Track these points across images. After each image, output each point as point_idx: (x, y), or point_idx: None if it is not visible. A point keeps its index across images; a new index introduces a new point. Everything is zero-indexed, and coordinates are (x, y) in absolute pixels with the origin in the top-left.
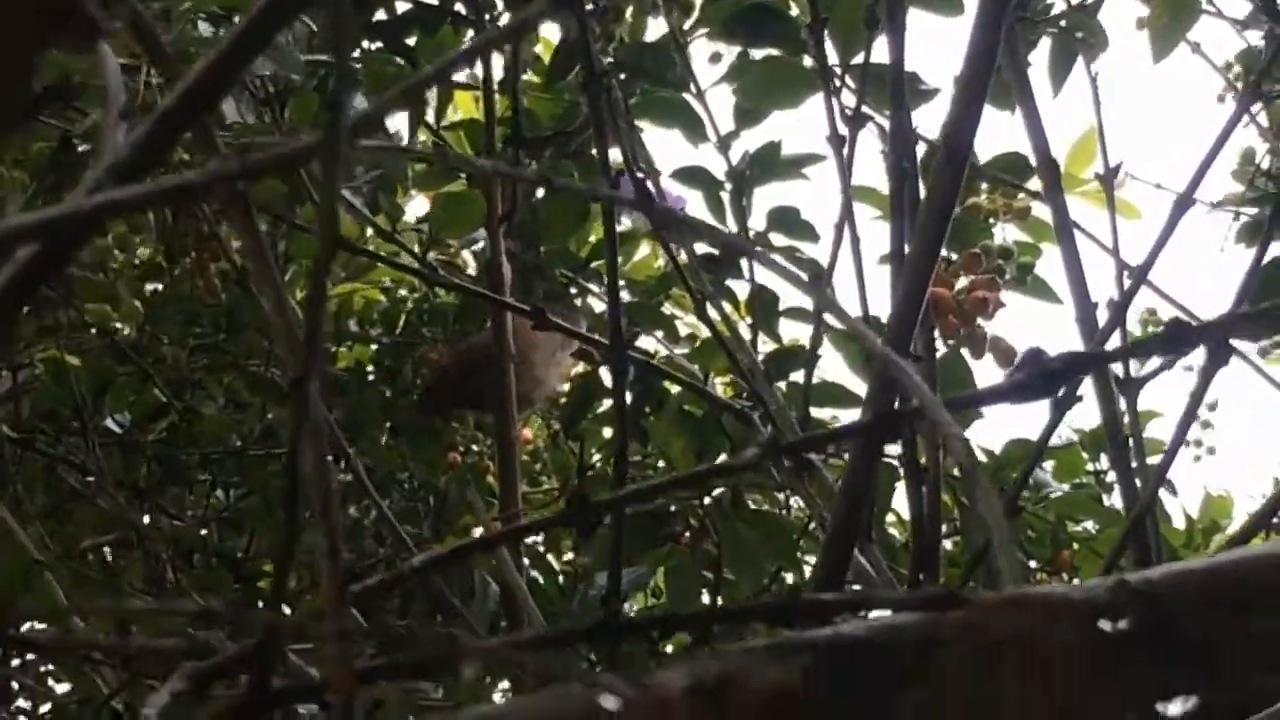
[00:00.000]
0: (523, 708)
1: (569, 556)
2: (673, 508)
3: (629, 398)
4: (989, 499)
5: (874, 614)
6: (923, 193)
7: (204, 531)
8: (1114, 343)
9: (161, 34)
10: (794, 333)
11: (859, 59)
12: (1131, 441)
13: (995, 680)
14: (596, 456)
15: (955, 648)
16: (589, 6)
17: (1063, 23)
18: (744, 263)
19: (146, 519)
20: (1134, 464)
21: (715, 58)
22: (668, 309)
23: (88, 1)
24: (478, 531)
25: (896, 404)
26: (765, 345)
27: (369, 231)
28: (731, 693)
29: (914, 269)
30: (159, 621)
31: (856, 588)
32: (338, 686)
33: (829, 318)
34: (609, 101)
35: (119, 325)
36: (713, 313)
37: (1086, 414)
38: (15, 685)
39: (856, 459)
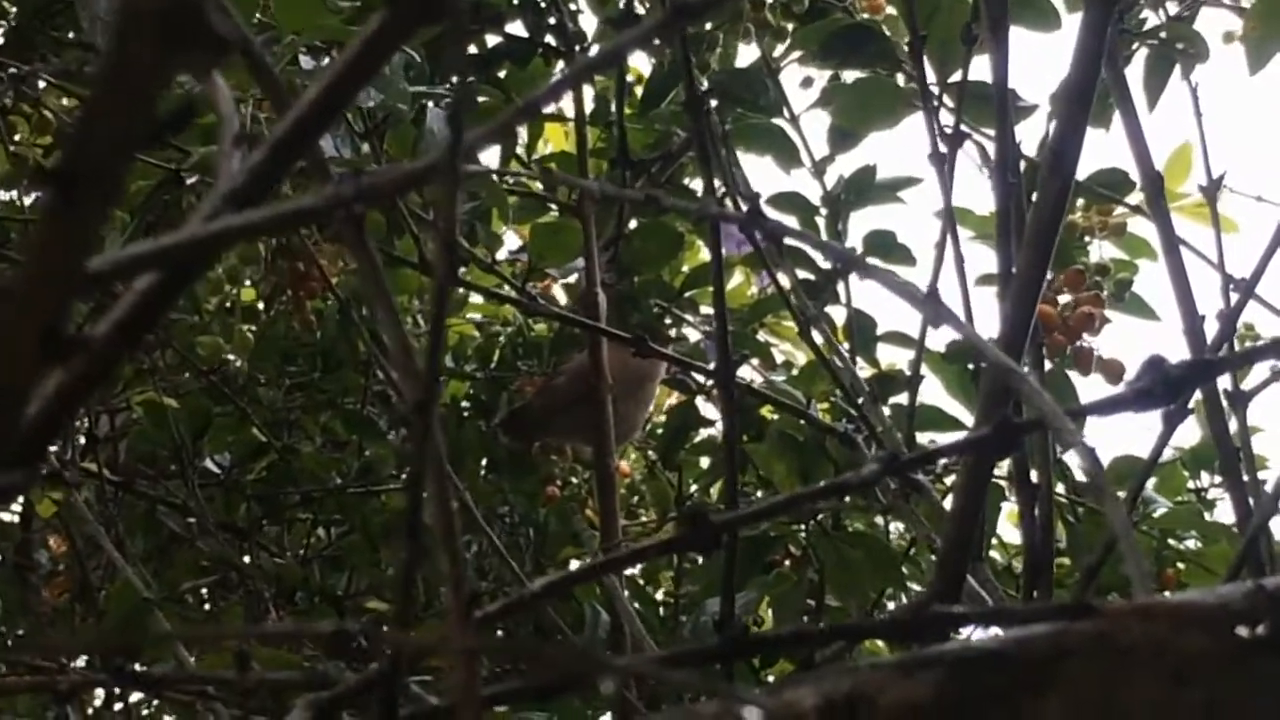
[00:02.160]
0: None
1: (666, 589)
2: (773, 534)
3: (723, 424)
4: (1115, 506)
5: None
6: (1026, 209)
7: (305, 570)
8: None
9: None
10: (891, 357)
11: (956, 77)
12: (1241, 454)
13: (1127, 689)
14: (694, 487)
15: (1085, 657)
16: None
17: (1163, 34)
18: (841, 288)
19: (247, 559)
20: (1245, 478)
21: (807, 83)
22: (763, 336)
23: (219, 22)
24: (579, 564)
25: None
26: (862, 371)
27: (462, 269)
28: (863, 709)
29: (1022, 284)
30: (284, 656)
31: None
32: (464, 711)
33: (928, 340)
34: (708, 124)
35: (231, 357)
36: (816, 336)
37: (1185, 433)
38: None
39: (969, 476)
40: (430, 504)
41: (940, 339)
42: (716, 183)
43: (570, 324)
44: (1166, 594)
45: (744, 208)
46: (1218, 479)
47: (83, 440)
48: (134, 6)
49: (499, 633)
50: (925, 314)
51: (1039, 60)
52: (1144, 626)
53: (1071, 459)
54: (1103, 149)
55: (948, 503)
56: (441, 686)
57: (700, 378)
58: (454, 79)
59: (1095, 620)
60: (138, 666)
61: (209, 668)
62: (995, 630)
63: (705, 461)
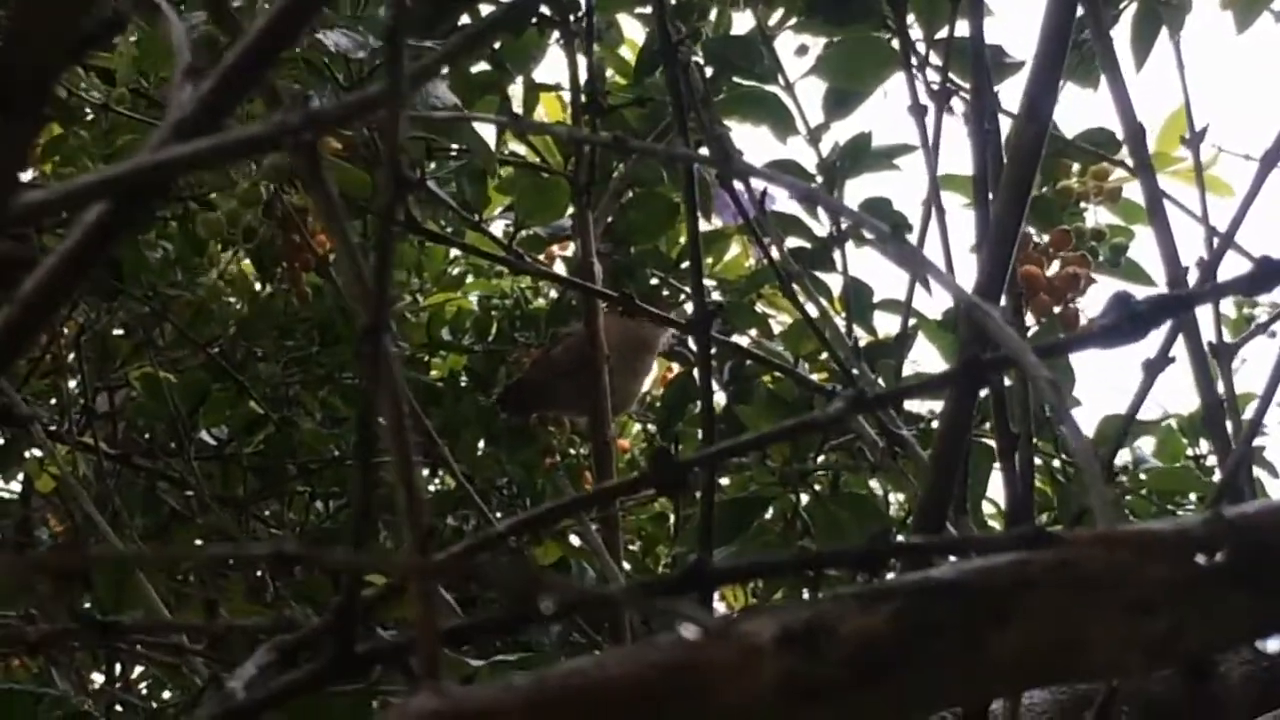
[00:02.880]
0: (613, 659)
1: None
2: (761, 495)
3: (722, 396)
4: (1079, 437)
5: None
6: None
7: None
8: (1205, 312)
9: None
10: (888, 326)
11: (942, 34)
12: (1225, 405)
13: (1088, 618)
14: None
15: (1046, 588)
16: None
17: None
18: (837, 255)
19: (246, 532)
20: (1230, 429)
21: (802, 50)
22: (760, 308)
23: None
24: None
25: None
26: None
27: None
28: (821, 639)
29: (998, 231)
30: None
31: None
32: (422, 646)
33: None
34: (687, 80)
35: (233, 300)
36: (802, 298)
37: (1183, 399)
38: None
39: (947, 422)
40: (386, 434)
41: (937, 306)
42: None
43: (560, 283)
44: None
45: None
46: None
47: (80, 416)
48: None
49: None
50: (894, 249)
51: (1027, 18)
52: (1105, 556)
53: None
54: (1095, 109)
55: None
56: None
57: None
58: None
59: (1056, 550)
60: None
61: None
62: (956, 561)
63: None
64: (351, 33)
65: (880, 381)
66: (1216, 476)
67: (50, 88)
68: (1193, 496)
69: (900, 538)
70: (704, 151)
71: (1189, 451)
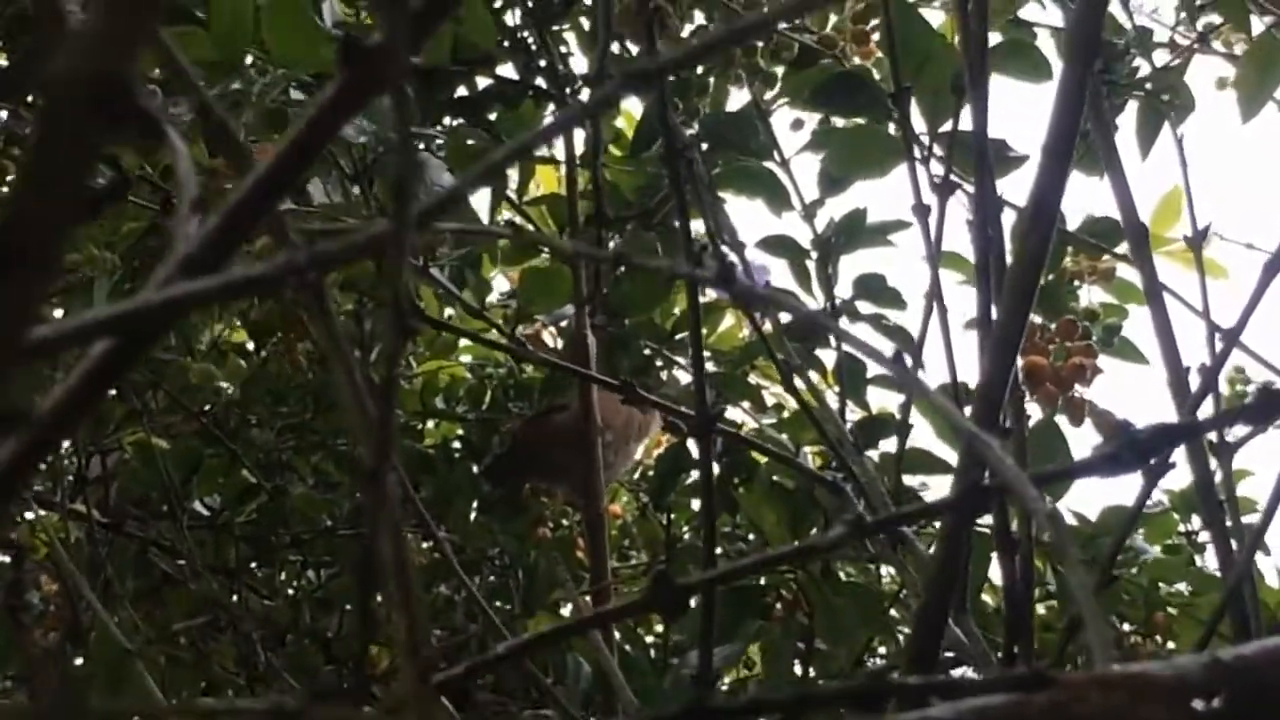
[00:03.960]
0: None
1: (660, 629)
2: (762, 582)
3: (716, 470)
4: (1078, 573)
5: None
6: (1009, 259)
7: (295, 612)
8: (1206, 408)
9: (242, 114)
10: (883, 401)
11: (946, 126)
12: (1226, 504)
13: None
14: (686, 529)
15: None
16: (669, 79)
17: (1149, 85)
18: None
19: (237, 600)
20: (1229, 525)
21: (797, 125)
22: (754, 379)
23: (145, 98)
24: (568, 609)
25: (985, 477)
26: (853, 414)
27: (448, 312)
28: None
29: (1002, 334)
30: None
31: (950, 655)
32: None
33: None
34: (692, 175)
35: (225, 385)
36: (800, 384)
37: (1177, 474)
38: None
39: (947, 532)
40: (389, 569)
41: (930, 383)
42: (701, 231)
43: (556, 369)
44: (1130, 656)
45: (726, 258)
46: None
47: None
48: (64, 78)
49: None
50: (895, 374)
51: (1033, 111)
52: (1102, 698)
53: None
54: (1099, 197)
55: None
56: None
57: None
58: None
59: (1052, 692)
60: None
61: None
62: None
63: (697, 504)
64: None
65: (875, 469)
66: (1209, 554)
67: (56, 251)
68: (1182, 587)
69: (902, 632)
70: (706, 248)
71: (1180, 528)
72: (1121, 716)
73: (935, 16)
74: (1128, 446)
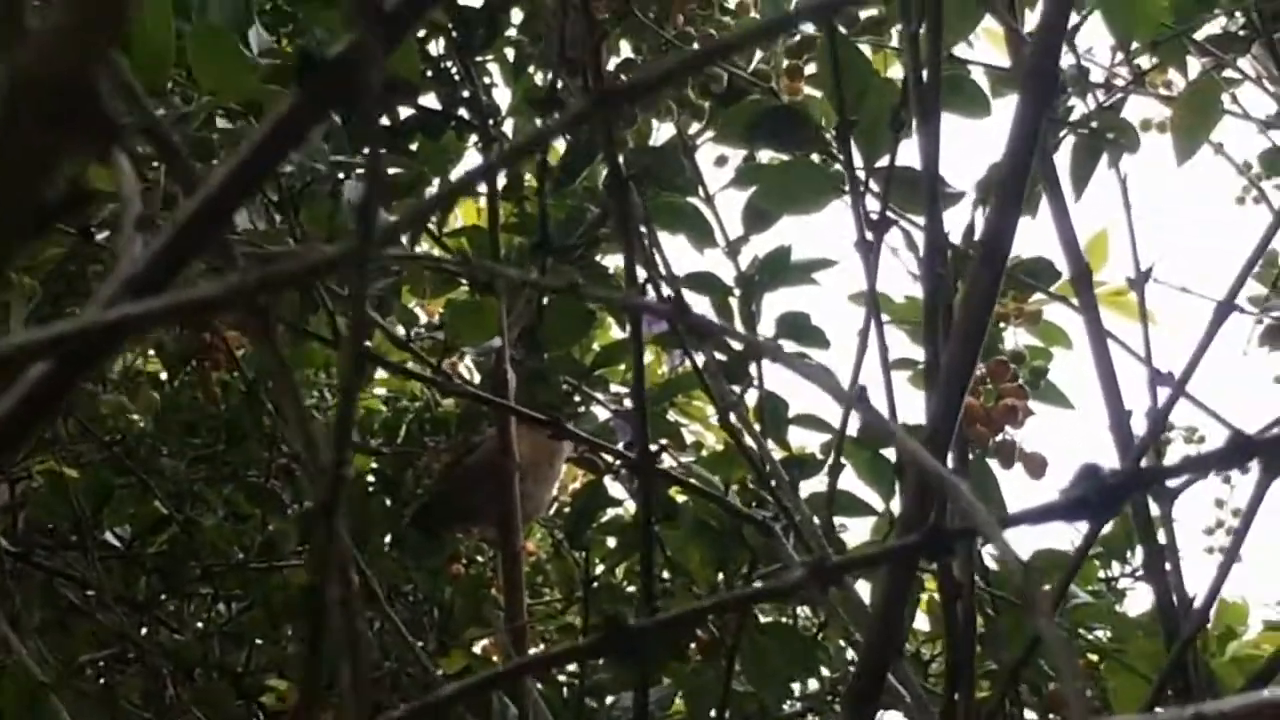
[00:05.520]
0: None
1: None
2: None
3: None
4: (1048, 623)
5: None
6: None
7: (204, 646)
8: (1151, 454)
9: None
10: (801, 440)
11: (882, 162)
12: (1166, 551)
13: None
14: (600, 567)
15: None
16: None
17: (1093, 123)
18: (753, 369)
19: (145, 633)
20: (1168, 570)
21: (721, 161)
22: (672, 416)
23: (105, 101)
24: (484, 643)
25: (935, 519)
26: (775, 454)
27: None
28: None
29: (949, 377)
30: None
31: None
32: None
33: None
34: (631, 207)
35: (135, 418)
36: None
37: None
38: None
39: (892, 577)
40: (333, 608)
41: (853, 423)
42: (638, 269)
43: (483, 403)
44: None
45: (665, 292)
46: (1128, 569)
47: None
48: (23, 79)
49: None
50: (851, 410)
51: (962, 146)
52: None
53: (989, 551)
54: (1027, 235)
55: (860, 587)
56: None
57: (609, 457)
58: (369, 160)
59: None
60: None
61: None
62: None
63: (612, 541)
64: None
65: (808, 511)
66: (1130, 600)
67: (9, 262)
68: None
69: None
70: (650, 293)
71: (1100, 574)
72: None
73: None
74: (1095, 490)
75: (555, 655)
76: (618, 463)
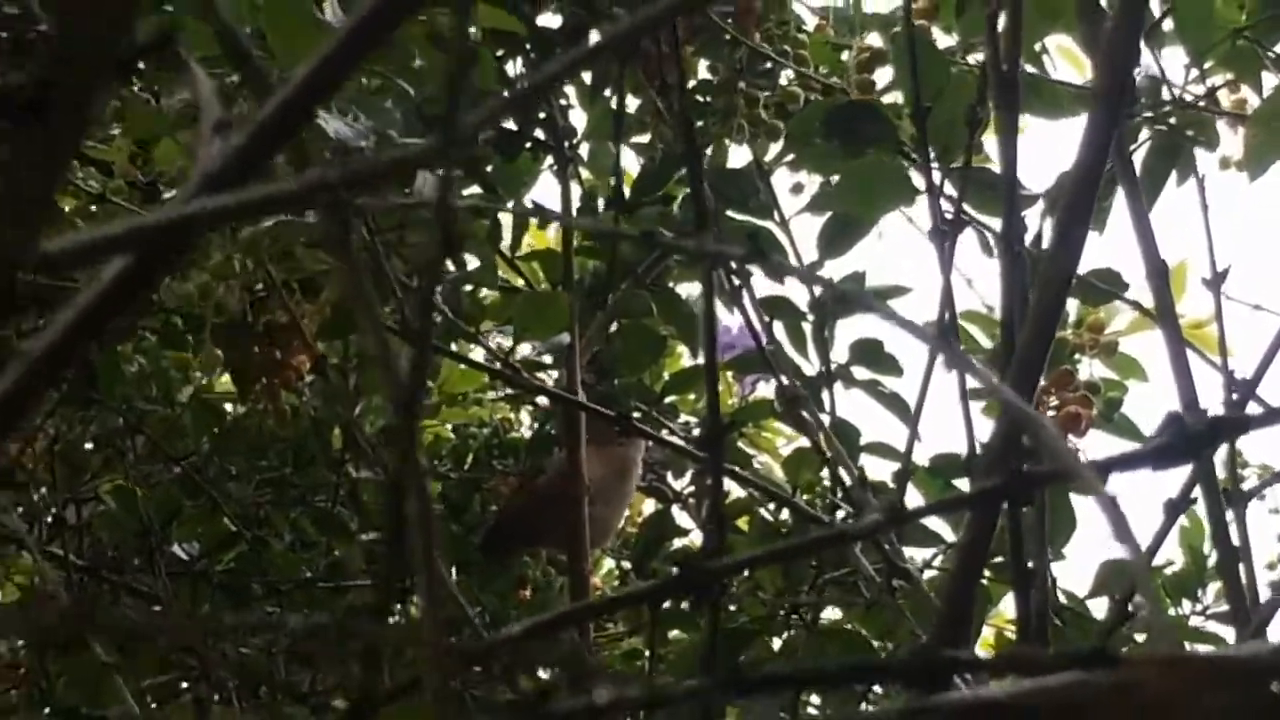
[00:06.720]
0: None
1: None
2: (752, 628)
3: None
4: (1138, 557)
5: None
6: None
7: (270, 663)
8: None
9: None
10: (872, 471)
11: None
12: (1241, 556)
13: None
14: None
15: (1105, 710)
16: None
17: (1173, 120)
18: (825, 395)
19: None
20: (1243, 578)
21: (797, 189)
22: (742, 445)
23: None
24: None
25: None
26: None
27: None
28: None
29: (1022, 364)
30: None
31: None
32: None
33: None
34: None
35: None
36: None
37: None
38: None
39: (971, 530)
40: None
41: (923, 453)
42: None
43: (554, 399)
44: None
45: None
46: (1198, 606)
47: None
48: None
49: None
50: (944, 354)
51: (1034, 149)
52: (1170, 680)
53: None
54: (1095, 251)
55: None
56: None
57: (676, 485)
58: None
59: (1117, 672)
60: None
61: None
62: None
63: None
64: (353, 122)
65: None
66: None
67: (94, 104)
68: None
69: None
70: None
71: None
72: (1193, 698)
73: None
74: (1180, 436)
75: (627, 595)
76: (683, 490)
